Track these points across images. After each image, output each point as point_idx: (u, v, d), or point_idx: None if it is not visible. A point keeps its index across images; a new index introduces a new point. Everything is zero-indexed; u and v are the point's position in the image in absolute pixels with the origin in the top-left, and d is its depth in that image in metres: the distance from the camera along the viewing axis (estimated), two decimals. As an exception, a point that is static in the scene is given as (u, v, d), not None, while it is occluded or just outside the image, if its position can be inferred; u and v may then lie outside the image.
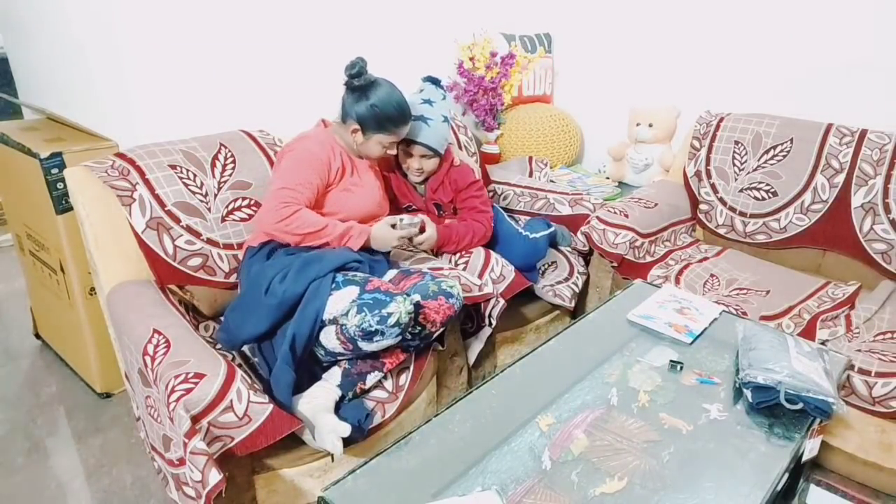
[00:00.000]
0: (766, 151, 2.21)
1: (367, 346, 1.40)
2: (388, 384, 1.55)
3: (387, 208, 1.87)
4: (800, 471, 1.41)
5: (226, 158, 1.79)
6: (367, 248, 1.69)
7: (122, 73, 1.85)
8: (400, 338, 1.42)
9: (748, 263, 2.16)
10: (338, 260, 1.54)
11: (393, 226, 1.74)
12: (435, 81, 2.00)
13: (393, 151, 1.81)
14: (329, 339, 1.42)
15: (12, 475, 1.79)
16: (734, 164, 2.27)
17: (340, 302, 1.41)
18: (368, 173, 1.80)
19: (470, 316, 1.82)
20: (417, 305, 1.49)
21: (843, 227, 2.05)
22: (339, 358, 1.48)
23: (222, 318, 1.68)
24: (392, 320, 1.36)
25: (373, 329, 1.36)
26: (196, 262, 1.68)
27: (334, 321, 1.40)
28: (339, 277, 1.49)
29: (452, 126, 2.50)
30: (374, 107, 1.68)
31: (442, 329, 1.57)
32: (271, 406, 1.29)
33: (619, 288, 1.96)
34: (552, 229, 2.17)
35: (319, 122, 1.81)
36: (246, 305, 1.54)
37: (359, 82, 1.68)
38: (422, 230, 1.81)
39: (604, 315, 1.71)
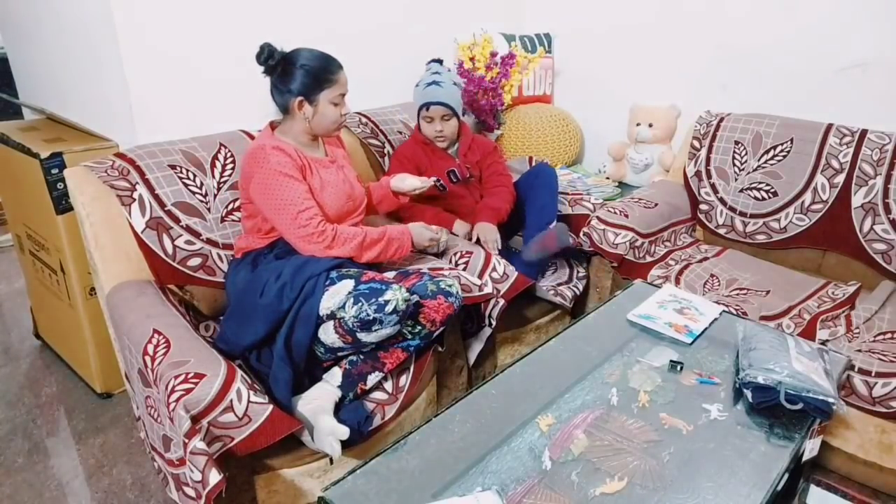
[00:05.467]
0: (766, 151, 2.21)
1: (366, 337, 1.39)
2: (388, 385, 1.55)
3: (360, 200, 1.78)
4: (800, 471, 1.41)
5: (225, 158, 1.79)
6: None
7: (122, 73, 1.85)
8: (398, 326, 1.42)
9: (748, 263, 2.16)
10: (332, 260, 1.54)
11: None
12: (438, 61, 2.15)
13: (346, 110, 1.66)
14: (328, 334, 1.43)
15: (12, 475, 1.79)
16: (734, 165, 2.27)
17: (336, 296, 1.41)
18: (329, 169, 1.70)
19: (470, 316, 1.82)
20: (418, 305, 1.50)
21: (843, 227, 2.05)
22: (339, 354, 1.48)
23: (218, 327, 1.69)
24: (389, 307, 1.36)
25: (371, 318, 1.35)
26: (196, 262, 1.68)
27: (332, 316, 1.40)
28: (334, 274, 1.49)
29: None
30: (304, 66, 1.57)
31: (442, 329, 1.57)
32: (271, 406, 1.29)
33: (619, 288, 1.96)
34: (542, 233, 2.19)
35: (267, 126, 1.69)
36: (242, 312, 1.53)
37: (274, 61, 1.57)
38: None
39: (604, 315, 1.71)
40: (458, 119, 2.12)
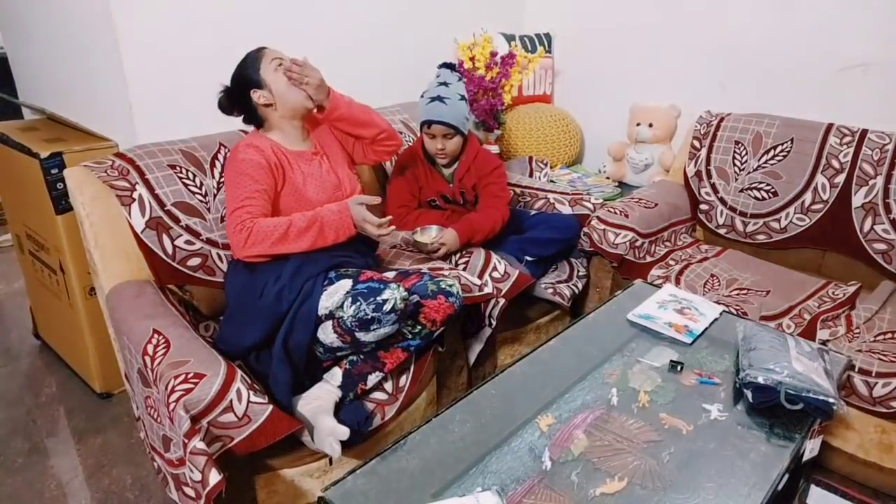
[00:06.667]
0: (767, 151, 2.21)
1: (365, 337, 1.39)
2: (388, 385, 1.55)
3: (351, 189, 1.76)
4: (800, 471, 1.41)
5: (225, 158, 1.79)
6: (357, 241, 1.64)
7: (121, 72, 1.85)
8: (397, 326, 1.42)
9: (748, 263, 2.16)
10: (331, 260, 1.54)
11: (415, 237, 1.87)
12: (450, 66, 2.09)
13: (294, 74, 1.61)
14: (326, 333, 1.43)
15: (12, 475, 1.79)
16: (734, 164, 2.27)
17: (334, 295, 1.41)
18: (312, 162, 1.70)
19: (470, 316, 1.82)
20: (418, 305, 1.50)
21: (843, 227, 2.05)
22: (339, 353, 1.48)
23: (218, 327, 1.69)
24: (388, 307, 1.35)
25: (369, 317, 1.35)
26: (195, 262, 1.68)
27: (331, 315, 1.40)
28: (332, 274, 1.49)
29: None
30: (239, 67, 1.63)
31: (442, 329, 1.57)
32: (271, 406, 1.29)
33: (619, 288, 1.96)
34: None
35: (253, 128, 1.73)
36: (241, 314, 1.53)
37: (224, 92, 1.66)
38: (438, 248, 1.90)
39: (604, 315, 1.71)
40: (463, 136, 2.08)
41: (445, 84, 2.03)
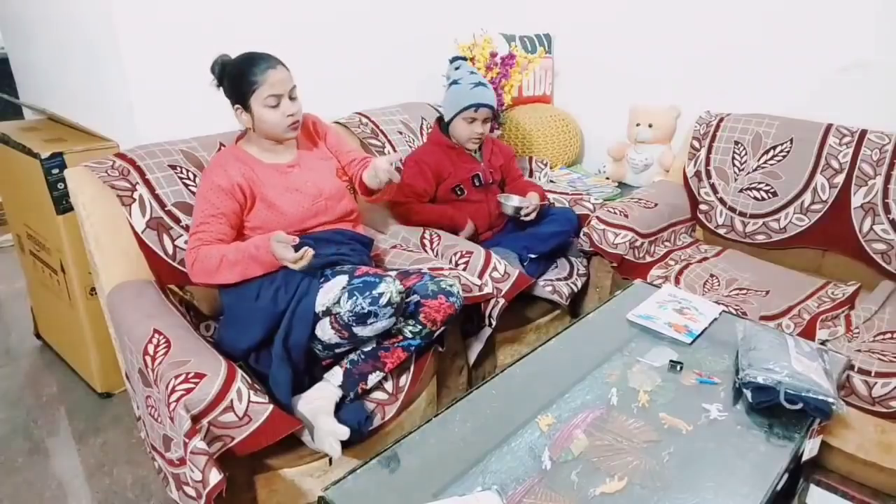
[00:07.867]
0: (766, 151, 2.21)
1: (362, 331, 1.39)
2: (389, 385, 1.56)
3: (339, 197, 1.70)
4: (800, 471, 1.41)
5: (226, 158, 1.79)
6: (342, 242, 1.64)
7: (122, 73, 1.85)
8: (393, 319, 1.42)
9: (748, 263, 2.16)
10: (325, 259, 1.54)
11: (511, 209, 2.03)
12: (462, 59, 2.18)
13: (293, 109, 1.56)
14: (324, 330, 1.43)
15: (13, 475, 1.80)
16: (734, 165, 2.27)
17: (331, 292, 1.41)
18: (288, 174, 1.63)
19: (470, 316, 1.82)
20: (418, 304, 1.50)
21: (842, 228, 2.05)
22: (337, 351, 1.49)
23: (217, 331, 1.68)
24: (384, 300, 1.36)
25: (365, 311, 1.36)
26: (196, 262, 1.68)
27: (328, 312, 1.41)
28: (328, 272, 1.49)
29: None
30: (228, 73, 1.54)
31: (443, 329, 1.57)
32: (271, 406, 1.29)
33: (619, 288, 1.96)
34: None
35: (235, 138, 1.70)
36: (238, 317, 1.53)
37: (219, 75, 1.56)
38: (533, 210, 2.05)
39: (604, 315, 1.71)
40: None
41: (474, 73, 2.09)
